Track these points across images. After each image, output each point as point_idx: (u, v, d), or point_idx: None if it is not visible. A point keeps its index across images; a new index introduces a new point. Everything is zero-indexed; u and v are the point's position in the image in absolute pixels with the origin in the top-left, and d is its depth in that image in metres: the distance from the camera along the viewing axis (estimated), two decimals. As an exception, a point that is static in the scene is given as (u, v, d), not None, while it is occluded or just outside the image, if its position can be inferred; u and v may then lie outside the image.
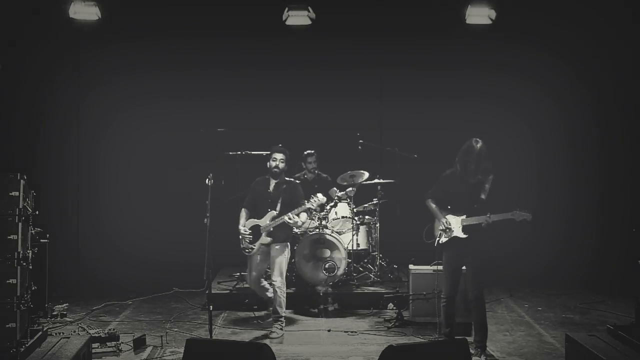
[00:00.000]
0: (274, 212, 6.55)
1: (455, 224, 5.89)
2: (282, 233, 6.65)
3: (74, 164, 9.33)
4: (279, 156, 6.64)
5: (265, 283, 6.88)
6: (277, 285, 6.61)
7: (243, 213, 6.76)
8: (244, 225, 6.65)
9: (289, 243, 6.79)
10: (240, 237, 6.65)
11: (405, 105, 9.42)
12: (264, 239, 6.56)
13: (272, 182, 6.69)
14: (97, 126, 9.37)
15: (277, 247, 6.64)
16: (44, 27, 8.51)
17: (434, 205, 6.04)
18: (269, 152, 6.74)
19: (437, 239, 6.01)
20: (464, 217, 5.86)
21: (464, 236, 5.84)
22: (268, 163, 6.69)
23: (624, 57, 8.82)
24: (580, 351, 5.27)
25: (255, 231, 6.60)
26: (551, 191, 9.46)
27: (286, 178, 6.79)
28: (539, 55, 9.07)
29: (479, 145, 5.75)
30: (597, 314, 7.37)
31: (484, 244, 5.93)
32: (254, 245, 6.60)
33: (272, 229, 6.55)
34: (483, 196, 5.83)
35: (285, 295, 6.71)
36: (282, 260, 6.67)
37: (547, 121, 9.52)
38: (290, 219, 6.45)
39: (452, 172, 5.97)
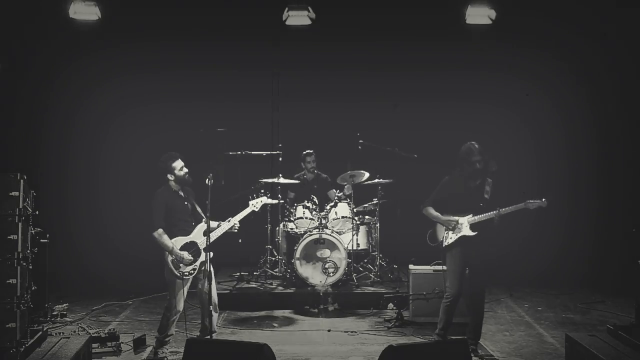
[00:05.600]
0: (205, 225, 5.76)
1: (462, 222, 5.90)
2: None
3: (74, 164, 9.33)
4: (181, 162, 5.94)
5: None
6: (216, 301, 5.92)
7: (165, 234, 5.76)
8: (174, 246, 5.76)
9: None
10: (174, 261, 5.74)
11: (405, 105, 9.42)
12: (205, 256, 5.72)
13: (181, 192, 5.96)
14: (98, 126, 9.38)
15: (209, 259, 5.71)
16: (45, 28, 8.50)
17: (434, 212, 6.04)
18: (167, 165, 5.91)
19: (444, 240, 6.01)
20: (470, 216, 5.88)
21: (473, 234, 5.87)
22: (172, 176, 5.90)
23: (624, 58, 8.81)
24: (580, 351, 5.27)
25: (187, 249, 5.81)
26: (551, 191, 9.43)
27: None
28: (539, 55, 9.07)
29: (477, 146, 5.83)
30: (597, 314, 7.36)
31: (492, 240, 5.95)
32: (196, 265, 5.82)
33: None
34: (486, 196, 5.86)
35: None
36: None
37: (547, 121, 9.53)
38: (235, 226, 5.91)
39: (452, 177, 5.99)
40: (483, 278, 5.96)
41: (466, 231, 5.88)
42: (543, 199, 5.71)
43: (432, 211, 6.05)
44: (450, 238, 5.96)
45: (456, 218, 5.93)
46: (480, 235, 5.86)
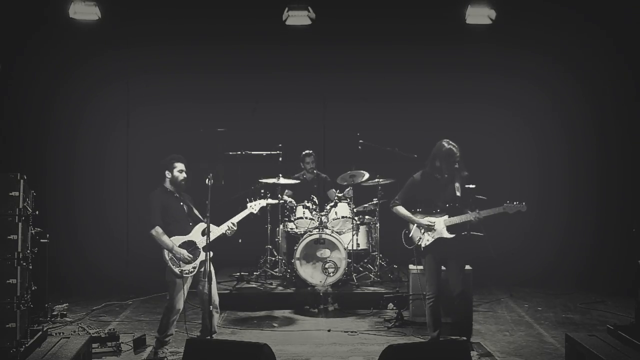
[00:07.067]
0: (203, 225, 5.84)
1: (439, 224, 5.88)
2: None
3: (77, 165, 9.34)
4: (183, 166, 5.97)
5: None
6: (217, 302, 5.97)
7: (163, 232, 5.83)
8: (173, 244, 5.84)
9: None
10: (173, 260, 5.80)
11: (405, 106, 9.42)
12: (205, 255, 5.75)
13: (176, 194, 5.99)
14: (102, 127, 9.40)
15: (209, 258, 5.70)
16: (45, 28, 8.50)
17: (405, 211, 6.02)
18: (169, 162, 5.97)
19: (420, 242, 5.98)
20: (446, 217, 5.85)
21: (451, 236, 5.84)
22: (170, 174, 5.94)
23: (622, 58, 8.80)
24: (580, 351, 5.27)
25: (185, 248, 5.86)
26: (551, 191, 9.46)
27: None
28: (538, 56, 9.06)
29: (456, 147, 5.82)
30: (597, 314, 7.36)
31: (469, 241, 5.93)
32: (195, 264, 5.87)
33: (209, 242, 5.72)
34: (458, 193, 5.84)
35: None
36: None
37: (547, 122, 9.54)
38: (233, 226, 5.95)
39: (423, 175, 5.98)
40: (462, 279, 5.93)
41: (443, 233, 5.86)
42: (523, 203, 5.68)
43: (403, 210, 6.02)
44: (427, 240, 5.92)
45: (433, 219, 5.90)
46: (457, 237, 5.84)
